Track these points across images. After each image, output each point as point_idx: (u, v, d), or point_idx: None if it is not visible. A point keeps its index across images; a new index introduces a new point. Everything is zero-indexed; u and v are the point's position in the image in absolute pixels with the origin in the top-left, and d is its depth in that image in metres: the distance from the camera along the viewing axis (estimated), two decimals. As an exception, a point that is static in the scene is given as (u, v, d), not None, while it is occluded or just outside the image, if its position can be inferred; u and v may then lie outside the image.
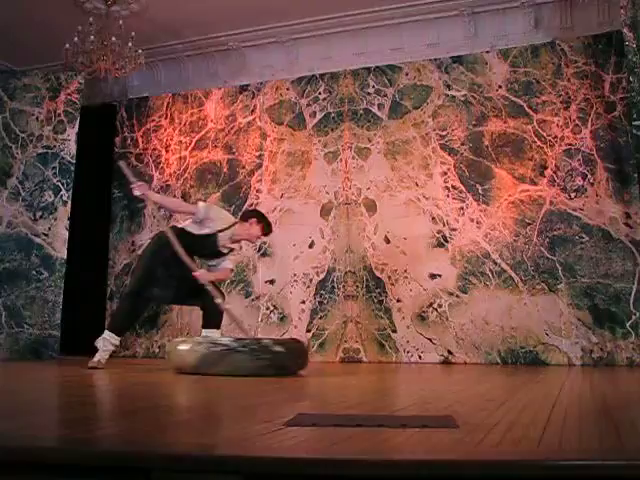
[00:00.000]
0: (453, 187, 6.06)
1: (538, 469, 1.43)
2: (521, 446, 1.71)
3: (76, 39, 5.83)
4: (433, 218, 6.09)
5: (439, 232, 6.05)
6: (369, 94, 6.48)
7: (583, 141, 5.74)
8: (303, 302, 6.25)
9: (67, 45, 5.82)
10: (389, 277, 6.14)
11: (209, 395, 3.28)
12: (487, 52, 6.17)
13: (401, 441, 1.78)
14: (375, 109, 6.45)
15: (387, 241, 6.22)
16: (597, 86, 5.76)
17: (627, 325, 5.38)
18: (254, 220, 4.98)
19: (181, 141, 7.14)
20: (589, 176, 5.68)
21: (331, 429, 1.95)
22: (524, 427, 2.01)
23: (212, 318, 4.92)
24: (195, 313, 6.68)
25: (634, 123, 4.99)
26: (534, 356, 5.60)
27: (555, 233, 5.70)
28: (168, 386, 3.98)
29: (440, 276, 5.99)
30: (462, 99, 6.17)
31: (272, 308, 6.45)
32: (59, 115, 6.59)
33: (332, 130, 6.55)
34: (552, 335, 5.57)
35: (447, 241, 6.01)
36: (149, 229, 7.07)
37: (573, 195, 5.71)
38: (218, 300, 4.76)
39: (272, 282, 6.53)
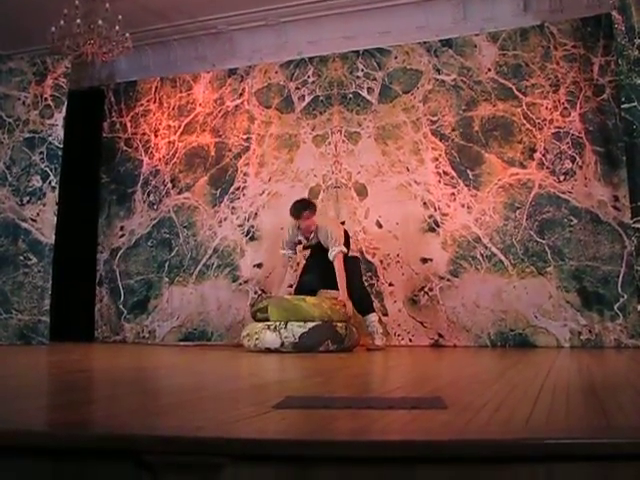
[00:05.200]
0: (445, 173, 6.06)
1: (525, 448, 1.44)
2: (509, 426, 1.72)
3: (62, 22, 5.75)
4: (424, 203, 6.09)
5: (430, 217, 6.05)
6: (358, 77, 6.46)
7: (572, 124, 5.74)
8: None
9: (53, 29, 5.75)
10: (381, 261, 6.15)
11: (198, 378, 3.28)
12: (476, 35, 6.15)
13: (390, 422, 1.78)
14: (365, 93, 6.42)
15: (379, 226, 6.22)
16: (586, 69, 5.76)
17: (615, 307, 5.41)
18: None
19: (170, 125, 7.09)
20: (578, 159, 5.69)
21: (320, 411, 1.95)
22: (512, 407, 2.02)
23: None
24: (186, 298, 6.70)
25: (623, 106, 5.00)
26: (523, 338, 5.63)
27: (544, 216, 5.72)
28: (158, 370, 3.98)
29: (432, 260, 6.00)
30: (452, 83, 6.16)
31: (260, 292, 6.44)
32: (46, 99, 6.53)
33: (321, 113, 6.53)
34: (541, 317, 5.60)
35: (438, 226, 6.02)
36: (139, 214, 7.04)
37: (562, 178, 5.72)
38: None
39: (260, 266, 6.52)
